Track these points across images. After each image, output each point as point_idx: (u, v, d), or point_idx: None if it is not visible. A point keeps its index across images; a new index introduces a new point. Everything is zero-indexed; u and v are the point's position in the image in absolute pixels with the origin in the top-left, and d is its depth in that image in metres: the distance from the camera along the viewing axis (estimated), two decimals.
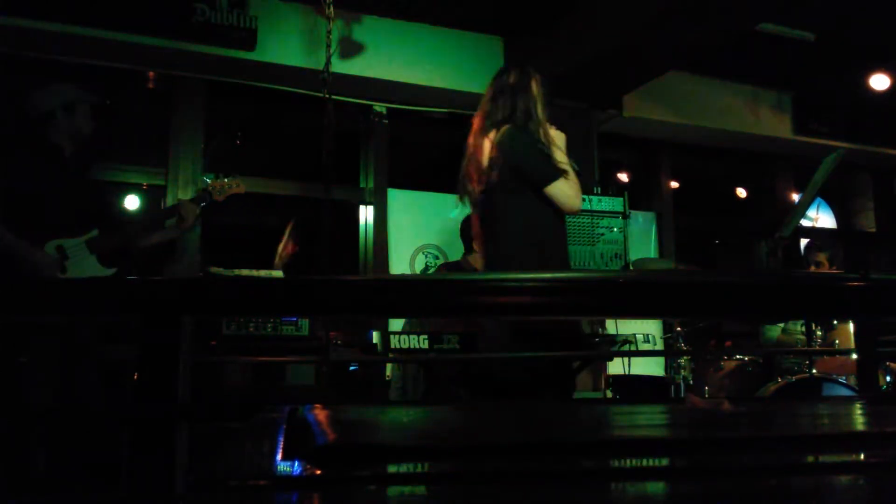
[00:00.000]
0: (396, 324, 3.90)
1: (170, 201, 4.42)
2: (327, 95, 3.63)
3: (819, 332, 3.59)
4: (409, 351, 2.85)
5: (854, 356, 3.47)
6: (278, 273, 3.57)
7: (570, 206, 2.63)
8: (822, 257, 4.27)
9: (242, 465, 0.86)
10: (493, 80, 2.82)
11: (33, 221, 2.83)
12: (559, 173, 2.61)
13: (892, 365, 3.57)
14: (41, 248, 2.82)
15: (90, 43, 4.08)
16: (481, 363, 2.69)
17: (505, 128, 2.67)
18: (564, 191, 2.60)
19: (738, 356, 4.25)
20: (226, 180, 3.34)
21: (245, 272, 3.53)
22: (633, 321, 4.36)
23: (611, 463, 0.83)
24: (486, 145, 2.69)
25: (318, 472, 0.76)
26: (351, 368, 4.06)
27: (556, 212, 2.64)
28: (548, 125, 2.72)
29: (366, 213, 4.96)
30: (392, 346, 3.44)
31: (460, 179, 2.81)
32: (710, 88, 5.61)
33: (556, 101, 4.89)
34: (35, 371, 2.76)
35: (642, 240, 5.60)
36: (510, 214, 2.64)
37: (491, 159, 2.66)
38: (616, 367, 4.18)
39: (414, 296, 0.88)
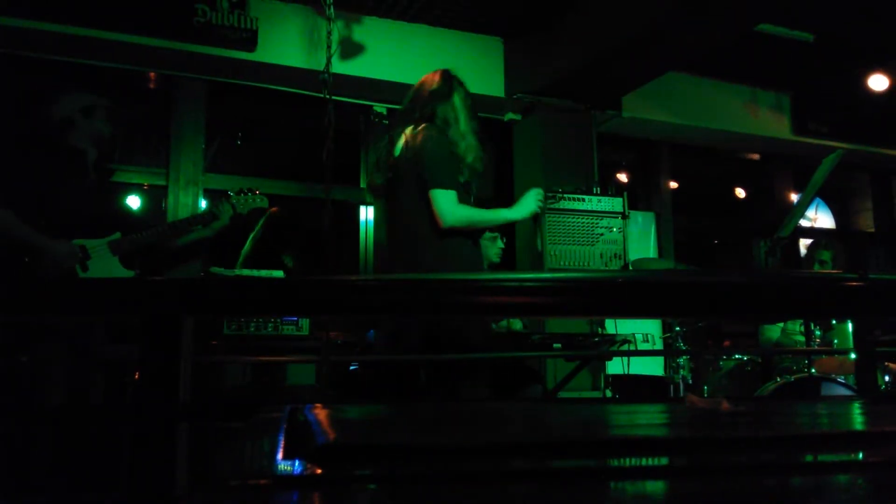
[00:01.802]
0: None
1: (170, 201, 4.43)
2: (327, 96, 3.64)
3: (818, 332, 3.59)
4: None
5: (852, 356, 3.48)
6: (279, 273, 3.57)
7: (441, 218, 2.49)
8: (826, 256, 4.29)
9: (242, 465, 0.86)
10: (415, 86, 2.77)
11: (56, 223, 2.86)
12: (453, 184, 2.52)
13: (891, 365, 3.57)
14: (62, 240, 2.84)
15: (91, 44, 4.08)
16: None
17: (424, 125, 2.61)
18: (444, 201, 2.49)
19: (737, 356, 4.25)
20: (250, 195, 3.33)
21: (245, 272, 3.53)
22: (632, 321, 4.37)
23: (610, 462, 0.83)
24: (402, 140, 2.65)
25: (319, 471, 0.76)
26: (351, 368, 4.06)
27: (433, 219, 2.52)
28: (474, 139, 2.64)
29: (366, 213, 4.97)
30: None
31: (370, 170, 2.78)
32: (709, 89, 5.62)
33: (556, 101, 4.94)
34: (39, 371, 2.77)
35: (641, 240, 5.61)
36: (410, 213, 2.58)
37: (402, 152, 2.62)
38: (615, 366, 4.18)
39: (414, 296, 0.89)
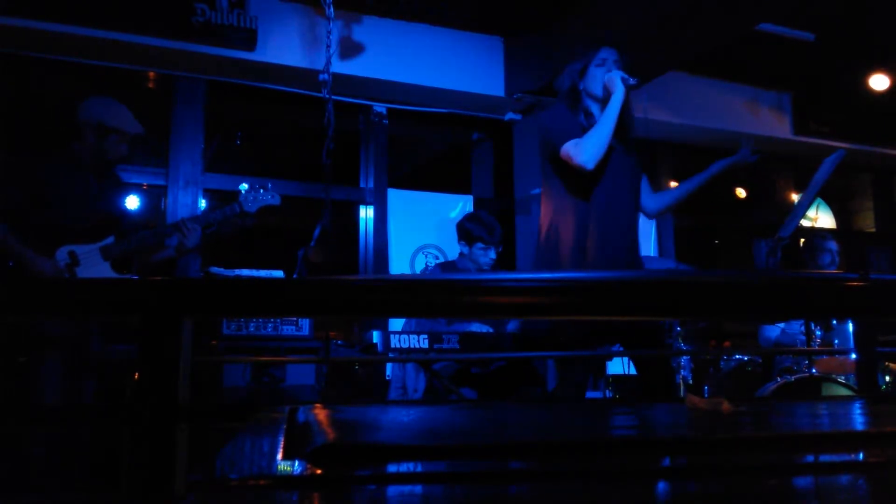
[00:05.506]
0: (396, 324, 3.90)
1: (170, 201, 4.42)
2: (327, 95, 3.63)
3: (818, 332, 3.59)
4: (409, 351, 2.85)
5: (853, 356, 3.47)
6: (279, 273, 3.57)
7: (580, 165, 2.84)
8: (833, 246, 4.31)
9: (242, 465, 0.86)
10: None
11: (48, 225, 2.84)
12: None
13: (892, 365, 3.57)
14: (47, 256, 2.82)
15: (91, 43, 4.08)
16: None
17: None
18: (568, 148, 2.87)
19: (737, 356, 4.25)
20: (260, 192, 3.24)
21: (245, 272, 3.53)
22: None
23: (611, 462, 0.83)
24: None
25: (319, 471, 0.76)
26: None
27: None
28: None
29: (366, 213, 4.96)
30: (392, 345, 3.44)
31: None
32: (710, 88, 5.61)
33: (554, 100, 4.92)
34: (40, 371, 2.76)
35: (642, 239, 5.59)
36: None
37: None
38: (615, 366, 4.18)
39: (413, 296, 0.88)
